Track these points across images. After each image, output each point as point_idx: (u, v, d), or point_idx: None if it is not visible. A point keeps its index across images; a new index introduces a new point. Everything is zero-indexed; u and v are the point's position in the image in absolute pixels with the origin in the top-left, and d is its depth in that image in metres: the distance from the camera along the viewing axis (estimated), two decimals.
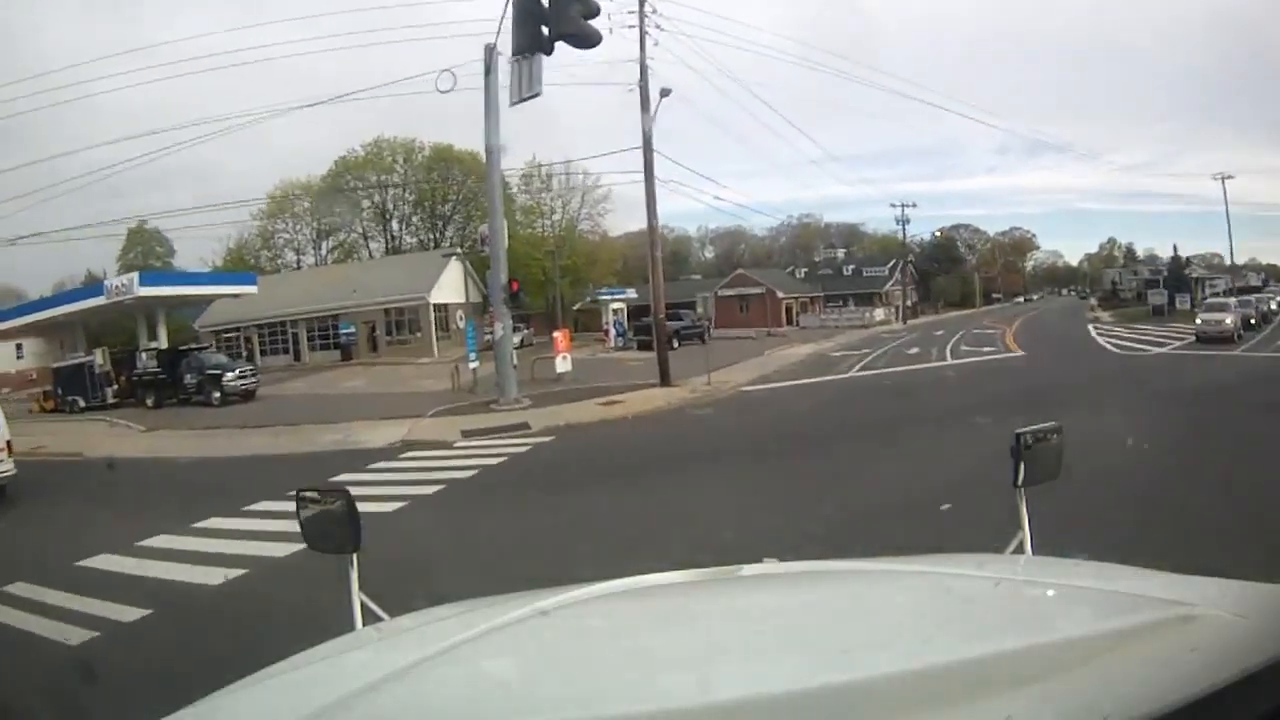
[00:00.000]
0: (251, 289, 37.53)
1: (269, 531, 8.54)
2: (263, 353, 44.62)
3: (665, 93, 23.29)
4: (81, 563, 8.08)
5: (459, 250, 46.69)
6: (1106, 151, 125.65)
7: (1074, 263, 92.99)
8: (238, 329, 45.32)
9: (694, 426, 17.48)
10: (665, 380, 21.98)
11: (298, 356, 44.48)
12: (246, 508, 10.13)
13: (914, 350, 32.71)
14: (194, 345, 32.08)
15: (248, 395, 27.09)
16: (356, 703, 1.23)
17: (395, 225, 61.47)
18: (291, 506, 2.26)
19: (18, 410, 34.56)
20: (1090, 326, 40.80)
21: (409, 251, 56.70)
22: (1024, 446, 2.07)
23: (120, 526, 9.51)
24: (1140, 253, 73.60)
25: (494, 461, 13.35)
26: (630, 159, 51.14)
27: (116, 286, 31.30)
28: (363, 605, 2.04)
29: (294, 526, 2.25)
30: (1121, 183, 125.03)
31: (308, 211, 59.38)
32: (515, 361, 21.52)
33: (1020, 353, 29.85)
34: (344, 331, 43.43)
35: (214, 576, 7.48)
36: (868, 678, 1.11)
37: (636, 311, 43.63)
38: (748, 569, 1.90)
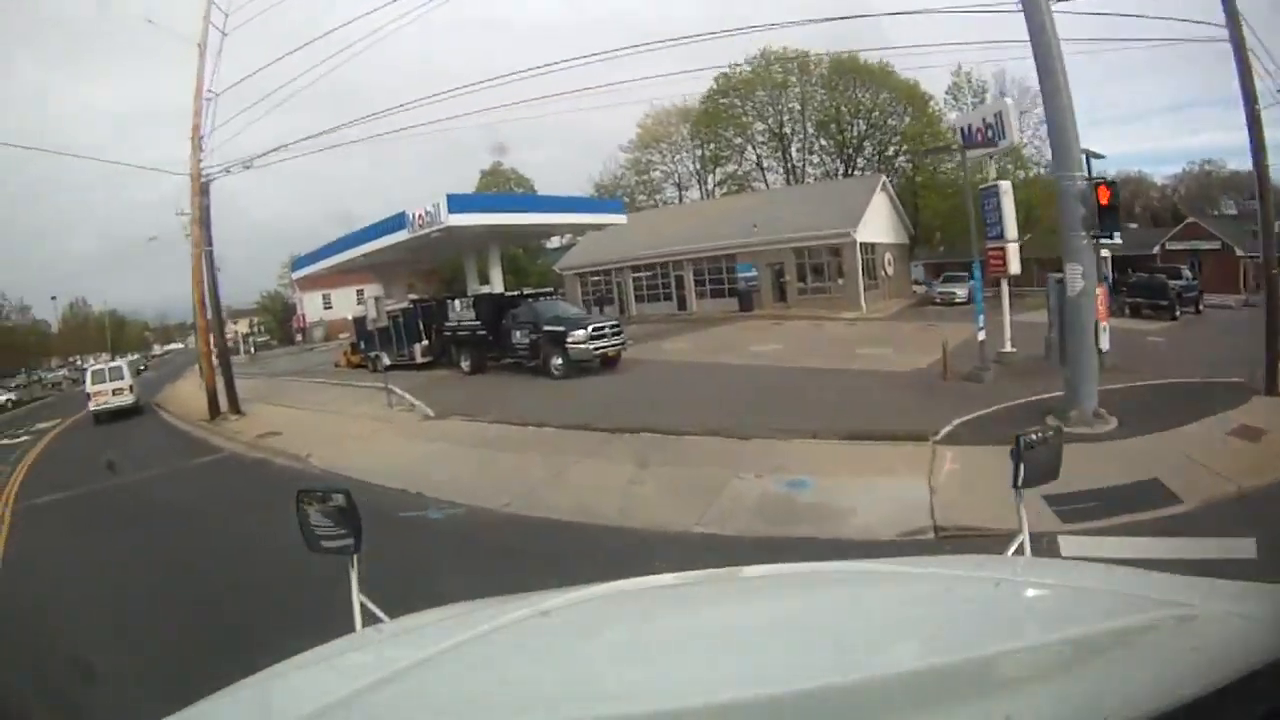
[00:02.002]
0: (618, 219, 31.55)
1: None
2: (638, 299, 38.63)
3: None
4: None
5: (885, 177, 39.06)
6: None
7: None
8: (607, 272, 39.86)
9: None
10: None
11: (683, 305, 37.16)
12: None
13: None
14: (530, 291, 23.63)
15: (606, 362, 19.35)
16: (357, 703, 1.27)
17: (794, 152, 52.26)
18: None
19: (322, 363, 33.39)
20: None
21: (811, 183, 47.92)
22: (1024, 448, 2.07)
23: None
24: None
25: None
26: None
27: (420, 216, 23.93)
28: (363, 606, 2.04)
29: None
30: None
31: (686, 140, 53.98)
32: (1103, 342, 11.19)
33: None
34: (743, 275, 34.61)
35: None
36: (868, 678, 1.13)
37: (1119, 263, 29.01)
38: (748, 569, 1.96)
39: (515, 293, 23.09)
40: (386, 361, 19.26)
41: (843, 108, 48.28)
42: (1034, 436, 2.11)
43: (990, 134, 16.19)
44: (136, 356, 59.20)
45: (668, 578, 1.91)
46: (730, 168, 53.87)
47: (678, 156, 54.90)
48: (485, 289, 26.53)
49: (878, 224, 34.10)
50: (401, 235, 24.77)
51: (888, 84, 45.84)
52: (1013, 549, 2.06)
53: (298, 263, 35.79)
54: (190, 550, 8.57)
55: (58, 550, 9.65)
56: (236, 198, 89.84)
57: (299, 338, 60.14)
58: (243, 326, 66.12)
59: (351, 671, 1.56)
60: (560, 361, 18.94)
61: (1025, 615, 1.58)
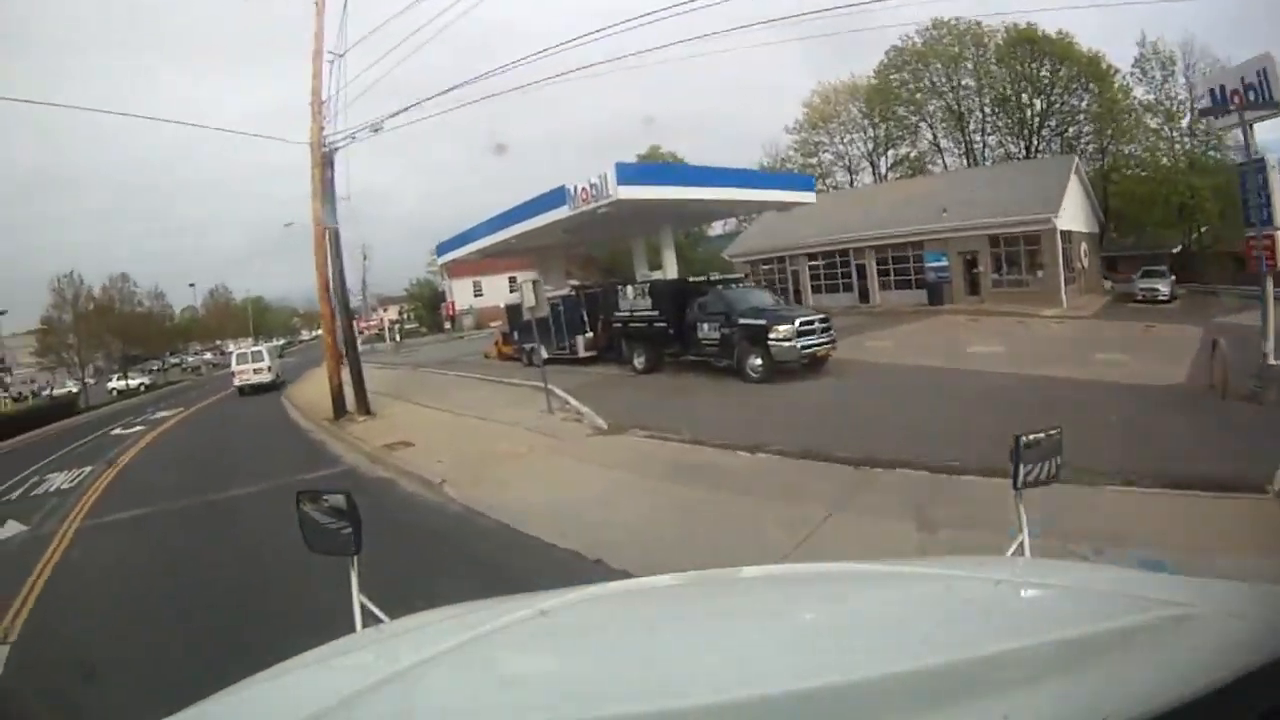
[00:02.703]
0: (807, 197, 27.36)
1: None
2: (815, 289, 34.15)
3: None
4: None
5: (1078, 158, 34.90)
6: None
7: None
8: (780, 260, 35.50)
9: None
10: None
11: (865, 296, 32.76)
12: None
13: None
14: (717, 277, 19.78)
15: (812, 362, 15.59)
16: (357, 703, 1.25)
17: (972, 132, 47.71)
18: None
19: (469, 353, 30.36)
20: None
21: (993, 165, 42.99)
22: (1023, 449, 2.08)
23: None
24: None
25: None
26: None
27: (584, 190, 20.28)
28: (363, 607, 2.03)
29: None
30: None
31: (857, 120, 50.43)
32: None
33: None
34: (932, 265, 30.08)
35: None
36: (868, 678, 1.12)
37: None
38: (748, 570, 2.00)
39: (701, 278, 19.36)
40: (544, 355, 15.62)
41: (1020, 83, 43.89)
42: (1033, 437, 2.09)
43: (1255, 95, 12.07)
44: (281, 342, 60.42)
45: (667, 578, 1.95)
46: (904, 149, 49.80)
47: (849, 138, 50.70)
48: (656, 275, 23.03)
49: (1073, 210, 29.74)
50: (562, 212, 21.29)
51: (1069, 56, 41.31)
52: (1013, 549, 2.06)
53: (442, 247, 33.20)
54: (254, 620, 5.66)
55: (98, 597, 7.32)
56: (386, 187, 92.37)
57: (448, 325, 59.24)
58: (391, 313, 66.54)
59: (351, 671, 1.56)
60: (759, 362, 15.27)
61: (1025, 615, 1.57)
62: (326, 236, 16.37)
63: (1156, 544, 5.73)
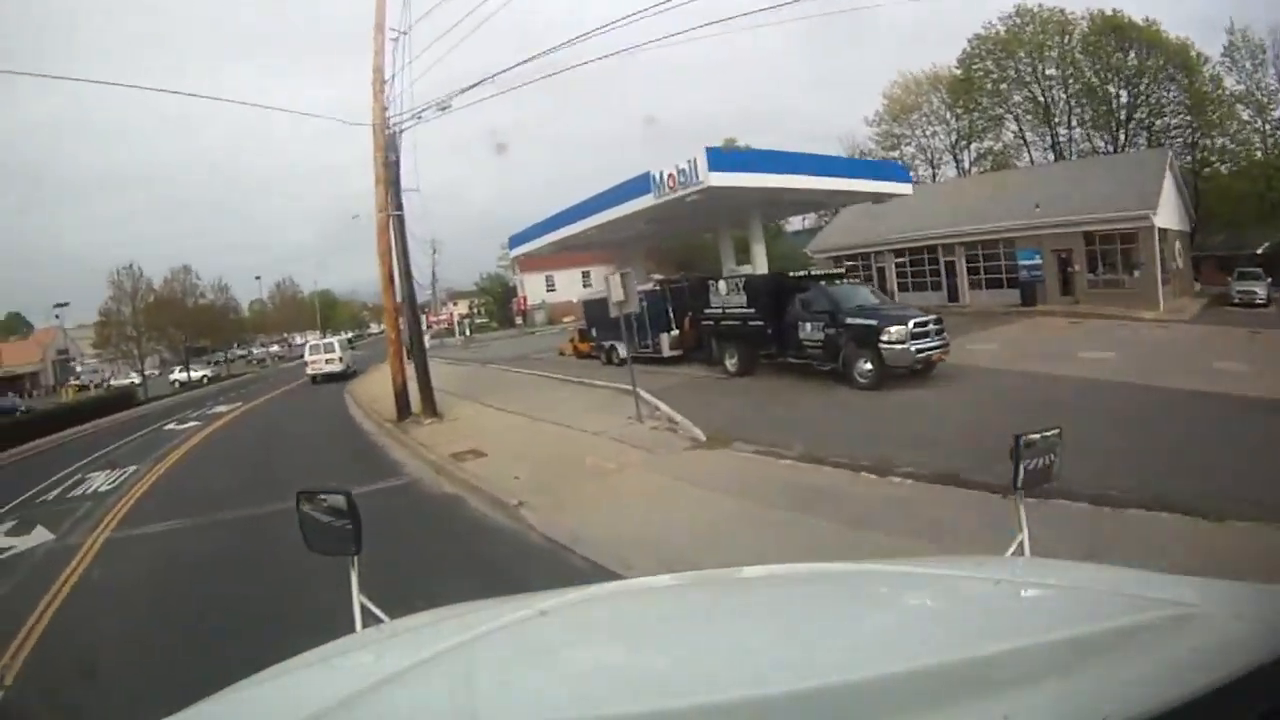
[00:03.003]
0: (904, 189, 25.08)
1: None
2: (901, 288, 31.60)
3: None
4: None
5: (1171, 153, 32.51)
6: None
7: None
8: (865, 256, 33.26)
9: None
10: None
11: (954, 295, 30.51)
12: None
13: None
14: (819, 272, 18.27)
15: (922, 367, 14.08)
16: (357, 703, 1.23)
17: (1058, 125, 45.38)
18: None
19: (542, 350, 29.13)
20: None
21: (1082, 159, 40.02)
22: (1022, 448, 2.06)
23: None
24: None
25: None
26: None
27: (671, 177, 18.55)
28: (363, 607, 2.01)
29: None
30: None
31: (940, 111, 48.51)
32: None
33: None
34: (1025, 263, 27.90)
35: None
36: (868, 678, 1.11)
37: None
38: (747, 569, 1.98)
39: (802, 273, 17.77)
40: (623, 354, 14.00)
41: (1106, 73, 41.80)
42: (1033, 436, 2.07)
43: None
44: (350, 335, 60.76)
45: (667, 578, 2.00)
46: (988, 142, 47.66)
47: (931, 130, 48.71)
48: (746, 270, 21.43)
49: (1168, 208, 27.29)
50: (645, 201, 19.61)
51: (1157, 44, 39.42)
52: (1012, 549, 2.03)
53: (514, 240, 31.81)
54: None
55: (111, 630, 6.28)
56: (458, 180, 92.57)
57: (519, 321, 58.56)
58: (461, 308, 66.13)
59: (351, 671, 1.55)
60: (869, 366, 13.73)
61: (1025, 615, 1.56)
62: (391, 224, 15.12)
63: None
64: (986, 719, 0.97)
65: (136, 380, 44.67)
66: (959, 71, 45.82)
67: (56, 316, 46.48)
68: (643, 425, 11.36)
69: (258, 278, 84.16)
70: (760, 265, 22.57)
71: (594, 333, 21.85)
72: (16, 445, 22.42)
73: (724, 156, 19.48)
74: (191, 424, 21.90)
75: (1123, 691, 0.99)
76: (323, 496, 2.13)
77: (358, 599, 2.01)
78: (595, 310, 20.13)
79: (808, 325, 14.90)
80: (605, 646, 1.58)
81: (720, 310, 17.16)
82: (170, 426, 22.02)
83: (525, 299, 57.81)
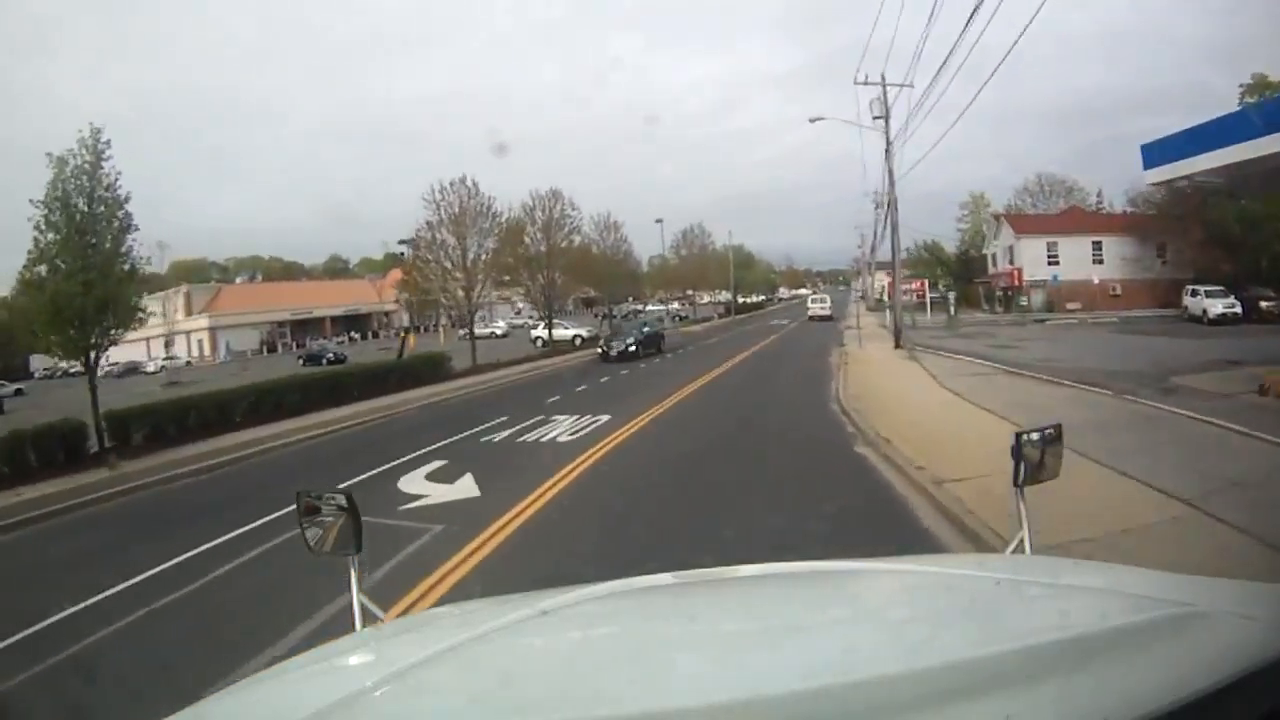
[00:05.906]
0: None
1: None
2: None
3: None
4: None
5: None
6: None
7: None
8: None
9: None
10: None
11: None
12: None
13: None
14: None
15: None
16: (357, 703, 1.22)
17: None
18: None
19: (1113, 354, 21.66)
20: None
21: None
22: (1023, 446, 2.03)
23: None
24: None
25: None
26: None
27: None
28: (363, 606, 2.00)
29: None
30: None
31: None
32: None
33: None
34: None
35: None
36: (868, 678, 1.10)
37: None
38: (747, 569, 1.92)
39: None
40: None
41: None
42: (1034, 435, 2.06)
43: None
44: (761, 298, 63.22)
45: (666, 577, 1.90)
46: None
47: None
48: None
49: None
50: None
51: None
52: (1013, 546, 2.04)
53: (1152, 152, 14.84)
54: None
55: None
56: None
57: (996, 304, 47.51)
58: (879, 278, 58.84)
59: (351, 671, 1.53)
60: None
61: (1025, 615, 1.53)
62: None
63: None
64: (987, 719, 0.96)
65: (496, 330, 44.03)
66: None
67: (401, 255, 37.33)
68: None
69: (659, 221, 69.77)
70: None
71: None
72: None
73: None
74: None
75: (1123, 691, 0.98)
76: (323, 496, 2.06)
77: (357, 599, 1.97)
78: None
79: None
80: (606, 646, 1.55)
81: None
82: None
83: (1019, 272, 44.58)
